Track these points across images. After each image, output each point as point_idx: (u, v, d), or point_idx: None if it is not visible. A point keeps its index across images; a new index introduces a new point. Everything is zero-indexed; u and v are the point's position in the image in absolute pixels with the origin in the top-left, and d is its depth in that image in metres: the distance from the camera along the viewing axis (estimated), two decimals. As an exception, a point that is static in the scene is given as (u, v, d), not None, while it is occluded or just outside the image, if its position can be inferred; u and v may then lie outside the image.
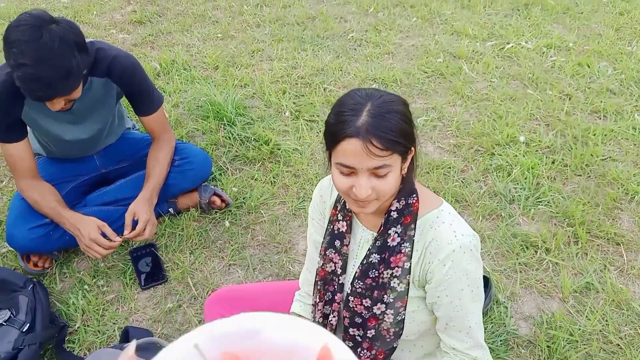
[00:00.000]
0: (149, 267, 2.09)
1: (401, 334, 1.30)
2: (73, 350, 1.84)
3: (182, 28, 3.74)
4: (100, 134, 2.15)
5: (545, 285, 2.01)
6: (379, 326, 1.30)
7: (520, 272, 2.06)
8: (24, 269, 2.06)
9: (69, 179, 2.19)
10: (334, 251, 1.35)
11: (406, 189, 1.23)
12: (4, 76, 1.81)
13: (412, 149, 1.19)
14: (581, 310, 1.93)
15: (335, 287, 1.36)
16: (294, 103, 2.94)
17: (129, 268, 2.10)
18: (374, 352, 1.34)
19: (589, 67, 3.22)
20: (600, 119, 2.83)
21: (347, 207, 1.33)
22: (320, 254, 1.40)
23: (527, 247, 2.14)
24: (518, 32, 3.60)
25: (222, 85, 3.09)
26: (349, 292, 1.33)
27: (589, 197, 2.35)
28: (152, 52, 3.49)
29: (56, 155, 2.18)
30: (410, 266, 1.24)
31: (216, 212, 2.32)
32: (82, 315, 1.94)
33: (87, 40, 1.78)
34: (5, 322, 1.75)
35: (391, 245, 1.24)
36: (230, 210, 2.33)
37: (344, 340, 1.41)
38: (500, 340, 1.83)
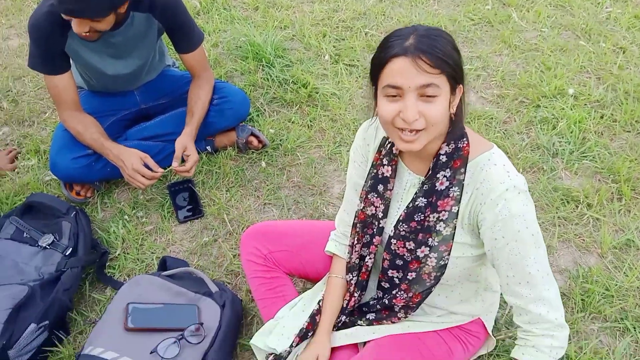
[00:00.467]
0: (186, 202, 2.12)
1: (441, 278, 1.29)
2: (113, 276, 1.91)
3: (223, -33, 3.66)
4: (141, 70, 2.16)
5: (584, 240, 1.97)
6: (420, 269, 1.29)
7: (559, 225, 2.01)
8: (66, 197, 2.13)
9: (110, 113, 2.22)
10: (375, 195, 1.34)
11: (456, 132, 1.20)
12: (47, 7, 1.82)
13: (461, 86, 1.15)
14: (619, 267, 1.88)
15: (375, 230, 1.35)
16: (333, 47, 2.87)
17: (167, 202, 2.15)
18: (410, 294, 1.34)
19: (647, 19, 3.04)
20: (656, 74, 2.69)
21: (393, 152, 1.31)
22: (361, 197, 1.38)
23: (567, 202, 2.09)
24: (573, -20, 3.39)
25: (261, 26, 3.04)
26: (391, 234, 1.31)
27: (636, 154, 2.26)
28: (192, -9, 3.44)
29: (97, 89, 2.21)
30: (458, 210, 1.21)
31: (253, 152, 2.33)
32: (122, 244, 2.01)
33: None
34: (49, 245, 1.82)
35: (439, 189, 1.22)
36: (266, 151, 2.33)
37: (380, 282, 1.42)
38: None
